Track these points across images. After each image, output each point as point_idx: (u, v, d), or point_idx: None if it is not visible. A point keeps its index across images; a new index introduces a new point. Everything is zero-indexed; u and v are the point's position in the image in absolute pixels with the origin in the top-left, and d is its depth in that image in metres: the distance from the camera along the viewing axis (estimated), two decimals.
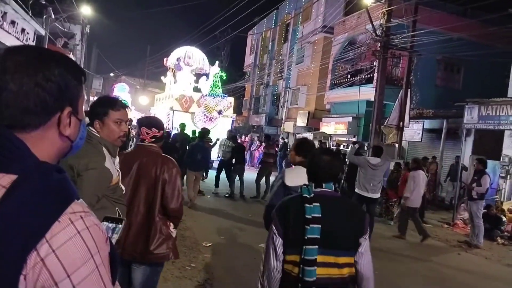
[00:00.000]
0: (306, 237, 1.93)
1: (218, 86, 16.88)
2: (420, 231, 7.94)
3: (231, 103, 16.92)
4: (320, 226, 1.93)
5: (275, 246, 2.02)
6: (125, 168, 2.73)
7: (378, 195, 7.32)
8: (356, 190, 7.31)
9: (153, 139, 2.81)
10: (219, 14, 20.19)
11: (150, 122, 2.85)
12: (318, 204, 1.97)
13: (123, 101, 2.38)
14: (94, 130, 2.22)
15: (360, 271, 2.06)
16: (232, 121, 17.84)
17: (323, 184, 2.09)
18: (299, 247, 1.95)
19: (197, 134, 10.79)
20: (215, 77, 16.86)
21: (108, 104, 2.26)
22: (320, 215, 1.95)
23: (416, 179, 8.09)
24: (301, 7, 23.98)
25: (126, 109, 2.35)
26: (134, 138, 13.70)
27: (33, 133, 0.81)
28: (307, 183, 2.16)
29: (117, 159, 2.40)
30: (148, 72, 37.06)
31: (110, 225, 1.29)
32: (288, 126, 24.02)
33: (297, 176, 2.78)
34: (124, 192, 2.40)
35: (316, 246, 1.93)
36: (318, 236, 1.93)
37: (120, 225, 1.28)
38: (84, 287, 0.75)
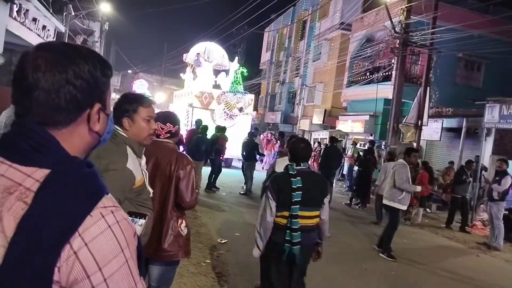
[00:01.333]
0: (293, 200, 2.92)
1: (239, 82, 16.62)
2: (378, 216, 8.84)
3: (251, 100, 16.59)
4: (301, 192, 2.92)
5: (270, 207, 2.99)
6: None
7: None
8: None
9: (168, 135, 2.74)
10: (235, 11, 20.15)
11: (164, 117, 2.77)
12: (299, 178, 2.96)
13: (150, 98, 2.32)
14: (119, 128, 2.12)
15: (322, 218, 3.16)
16: (252, 118, 17.63)
17: (301, 164, 3.09)
18: (287, 206, 2.95)
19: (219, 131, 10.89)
20: (236, 74, 16.70)
21: (137, 101, 2.17)
22: (301, 185, 2.93)
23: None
24: (319, 3, 23.80)
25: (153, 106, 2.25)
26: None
27: (64, 129, 0.83)
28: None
29: (144, 159, 2.29)
30: (165, 69, 37.35)
31: (129, 218, 1.31)
32: (304, 124, 23.91)
33: (284, 165, 3.72)
34: (151, 195, 2.28)
35: (299, 206, 2.92)
36: (300, 199, 2.92)
37: (142, 220, 1.29)
38: (114, 280, 0.77)
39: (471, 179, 10.02)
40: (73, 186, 0.77)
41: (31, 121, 0.81)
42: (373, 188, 9.58)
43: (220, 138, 10.70)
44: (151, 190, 2.29)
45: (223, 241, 6.04)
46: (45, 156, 0.80)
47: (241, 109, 15.88)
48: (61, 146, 0.82)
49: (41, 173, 0.78)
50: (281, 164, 3.93)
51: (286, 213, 2.95)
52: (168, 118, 2.78)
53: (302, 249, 2.96)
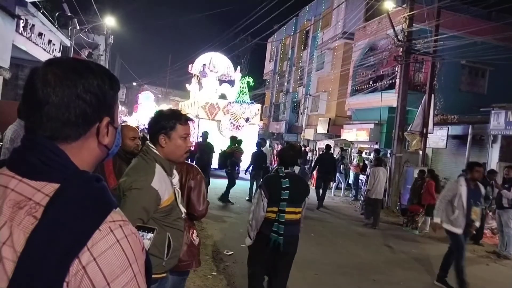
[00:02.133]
0: (282, 198, 3.47)
1: (245, 92, 16.52)
2: (376, 220, 9.45)
3: (258, 110, 16.44)
4: (288, 191, 3.48)
5: (263, 203, 3.52)
6: None
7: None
8: None
9: None
10: (239, 22, 20.32)
11: None
12: (287, 179, 3.53)
13: (188, 115, 2.23)
14: (151, 145, 2.11)
15: (301, 214, 3.76)
16: (259, 128, 17.48)
17: (289, 168, 3.63)
18: (277, 203, 3.49)
19: (234, 143, 10.73)
20: (242, 83, 16.63)
21: (175, 117, 2.13)
22: (288, 185, 3.49)
23: (376, 174, 9.52)
24: (321, 13, 23.94)
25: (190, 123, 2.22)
26: None
27: (74, 143, 0.84)
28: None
29: (176, 177, 2.27)
30: (169, 80, 37.61)
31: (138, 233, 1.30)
32: (308, 133, 23.89)
33: None
34: (183, 215, 2.23)
35: (286, 203, 3.47)
36: (288, 197, 3.48)
37: (151, 234, 1.28)
38: None
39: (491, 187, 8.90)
40: (82, 200, 0.77)
41: (41, 136, 0.81)
42: (364, 193, 9.73)
43: (236, 151, 10.53)
44: (183, 210, 2.23)
45: (229, 253, 6.00)
46: (55, 171, 0.80)
47: (247, 119, 15.75)
48: (71, 160, 0.83)
49: (51, 188, 0.78)
50: None
51: (275, 209, 3.50)
52: None
53: (286, 239, 3.50)
